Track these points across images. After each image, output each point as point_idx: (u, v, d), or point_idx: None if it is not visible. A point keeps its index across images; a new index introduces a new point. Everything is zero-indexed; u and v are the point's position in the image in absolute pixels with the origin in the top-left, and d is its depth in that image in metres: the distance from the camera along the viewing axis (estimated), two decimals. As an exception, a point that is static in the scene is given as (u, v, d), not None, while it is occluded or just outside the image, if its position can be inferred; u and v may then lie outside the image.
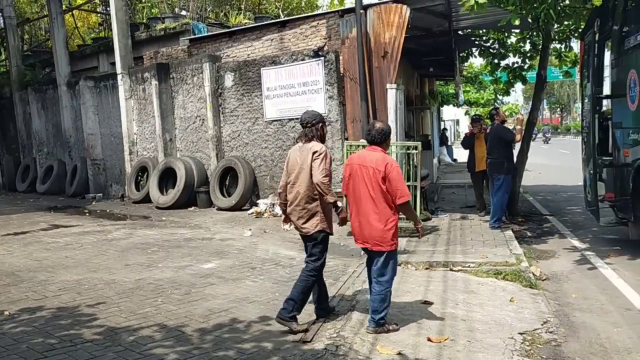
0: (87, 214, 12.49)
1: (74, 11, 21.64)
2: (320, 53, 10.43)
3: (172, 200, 12.14)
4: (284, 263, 7.04)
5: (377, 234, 4.41)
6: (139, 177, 13.71)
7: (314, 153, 4.53)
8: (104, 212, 12.56)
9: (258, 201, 11.31)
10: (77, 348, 4.32)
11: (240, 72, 11.72)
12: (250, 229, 9.37)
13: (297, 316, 4.60)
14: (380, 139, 4.56)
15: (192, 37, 13.32)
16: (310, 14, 11.41)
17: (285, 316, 4.50)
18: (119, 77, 13.91)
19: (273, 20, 12.89)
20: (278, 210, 10.70)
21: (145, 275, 6.59)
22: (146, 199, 12.95)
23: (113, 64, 14.84)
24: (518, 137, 9.07)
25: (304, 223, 4.64)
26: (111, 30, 14.52)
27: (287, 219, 4.86)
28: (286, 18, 13.38)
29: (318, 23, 11.03)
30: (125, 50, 13.95)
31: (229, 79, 11.92)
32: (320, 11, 12.37)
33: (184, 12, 16.76)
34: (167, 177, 12.71)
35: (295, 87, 10.86)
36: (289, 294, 4.63)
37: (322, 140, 4.75)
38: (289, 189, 4.72)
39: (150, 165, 13.17)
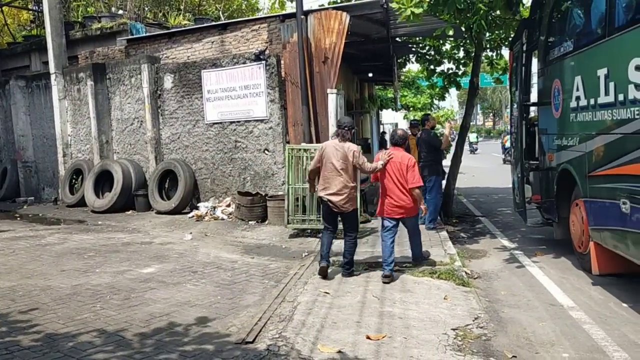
0: (19, 218, 12.01)
1: (3, 7, 20.67)
2: (261, 57, 10.49)
3: (108, 203, 11.86)
4: (225, 266, 7.06)
5: (406, 204, 6.41)
6: (74, 181, 13.30)
7: (354, 151, 6.25)
8: (36, 217, 12.12)
9: (199, 204, 11.22)
10: (14, 355, 4.21)
11: (180, 74, 11.60)
12: (190, 233, 9.31)
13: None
14: (401, 142, 6.67)
15: (130, 37, 13.06)
16: (251, 17, 11.44)
17: (348, 272, 6.38)
18: (53, 77, 13.45)
19: (214, 23, 12.82)
20: (219, 213, 10.68)
21: (82, 280, 6.44)
22: (81, 203, 12.57)
23: (46, 63, 14.33)
24: (444, 144, 9.49)
25: (345, 204, 6.24)
26: (44, 28, 14.02)
27: (313, 189, 6.63)
28: (227, 21, 13.37)
29: (259, 27, 11.08)
30: (59, 49, 13.51)
31: (168, 81, 11.77)
32: (261, 15, 12.40)
33: (120, 12, 16.37)
34: (104, 180, 12.40)
35: (237, 90, 10.87)
36: (345, 260, 6.41)
37: (352, 140, 6.45)
38: (331, 178, 6.23)
39: (86, 168, 12.80)
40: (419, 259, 6.80)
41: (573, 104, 6.46)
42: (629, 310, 5.25)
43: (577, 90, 6.31)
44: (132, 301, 5.62)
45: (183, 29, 12.83)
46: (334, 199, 6.22)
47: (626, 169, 5.17)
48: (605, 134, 5.64)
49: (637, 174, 4.96)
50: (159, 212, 11.41)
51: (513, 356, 4.24)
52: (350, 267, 6.43)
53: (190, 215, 10.92)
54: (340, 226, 6.71)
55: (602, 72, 5.64)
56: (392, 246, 6.40)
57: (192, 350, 4.26)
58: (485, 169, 23.44)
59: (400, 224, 6.61)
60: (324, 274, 6.29)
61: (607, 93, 5.53)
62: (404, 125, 39.30)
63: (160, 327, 4.82)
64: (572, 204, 6.85)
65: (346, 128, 6.33)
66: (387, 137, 20.85)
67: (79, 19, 16.63)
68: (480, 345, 4.41)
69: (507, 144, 30.23)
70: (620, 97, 5.23)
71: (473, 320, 4.92)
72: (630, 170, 5.10)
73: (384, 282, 6.06)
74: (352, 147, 6.27)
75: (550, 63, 7.46)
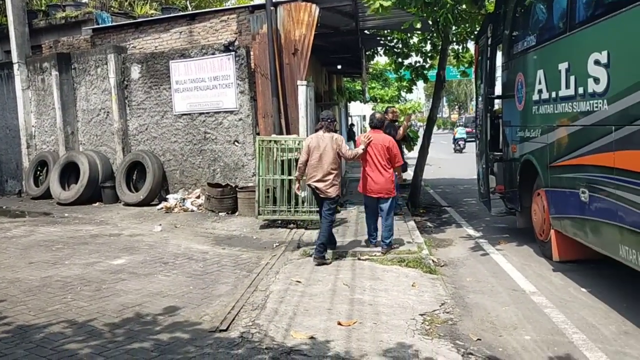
0: (-19, 212, 11.74)
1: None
2: (231, 48, 10.47)
3: (75, 195, 11.69)
4: (196, 257, 7.09)
5: (385, 184, 6.91)
6: (38, 172, 13.06)
7: (337, 139, 6.72)
8: (0, 209, 11.87)
9: (167, 196, 11.17)
10: (-16, 348, 4.19)
11: (148, 65, 11.48)
12: (160, 224, 9.27)
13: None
14: (380, 125, 7.21)
15: (96, 26, 12.85)
16: (220, 8, 11.37)
17: (320, 256, 6.60)
18: (15, 66, 13.12)
19: (182, 13, 12.72)
20: (188, 205, 10.65)
21: (51, 272, 6.39)
22: (46, 195, 12.35)
23: (8, 52, 13.96)
24: (400, 132, 9.58)
25: (328, 189, 6.68)
26: (5, 16, 13.66)
27: (299, 185, 7.12)
28: (196, 11, 13.26)
29: (228, 18, 11.04)
30: (21, 38, 13.19)
31: (135, 71, 11.64)
32: (230, 5, 12.34)
33: (86, 0, 16.04)
34: (70, 172, 12.20)
35: (206, 81, 10.82)
36: (318, 240, 6.69)
37: (335, 131, 6.96)
38: (317, 167, 6.66)
39: (51, 160, 12.58)
40: (389, 243, 7.05)
41: (535, 96, 6.68)
42: (587, 295, 5.50)
43: (539, 83, 6.52)
44: (103, 292, 5.61)
45: (150, 18, 12.68)
46: (320, 185, 6.70)
47: (585, 159, 5.40)
48: (566, 126, 5.87)
49: (596, 164, 5.18)
50: (126, 204, 11.32)
51: (478, 339, 4.42)
52: (322, 250, 6.69)
53: (159, 207, 10.86)
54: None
55: (563, 66, 5.85)
56: (376, 222, 7.19)
57: (166, 339, 4.31)
58: (451, 160, 23.85)
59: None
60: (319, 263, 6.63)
61: (567, 86, 5.74)
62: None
63: (133, 317, 4.85)
64: (534, 194, 7.10)
65: (329, 120, 6.85)
66: (356, 129, 21.04)
67: (43, 7, 16.24)
68: (447, 329, 4.57)
69: (457, 136, 31.79)
70: (580, 90, 5.45)
71: (440, 306, 5.09)
72: (589, 160, 5.33)
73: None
74: (335, 136, 6.79)
75: (514, 57, 7.67)
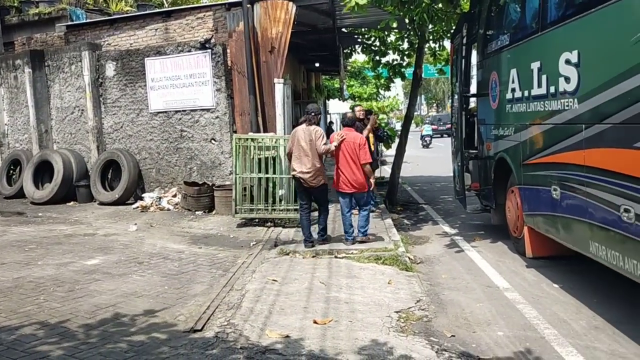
0: (-49, 212, 11.49)
1: None
2: (207, 45, 10.40)
3: (49, 195, 11.51)
4: (172, 257, 7.03)
5: (358, 180, 7.12)
6: (11, 171, 12.82)
7: (316, 132, 7.03)
8: (-30, 209, 11.62)
9: (143, 195, 11.06)
10: (-48, 351, 4.11)
11: (123, 62, 11.34)
12: (135, 224, 9.18)
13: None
14: (351, 124, 7.52)
15: (70, 23, 12.65)
16: (196, 5, 11.29)
17: (323, 238, 7.34)
18: (-14, 63, 12.87)
19: (157, 10, 12.60)
20: (164, 203, 10.57)
21: (24, 273, 6.29)
22: (20, 194, 12.14)
23: (-21, 49, 13.69)
24: (365, 132, 9.54)
25: (313, 179, 7.02)
26: (-24, 11, 13.38)
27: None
28: (171, 8, 13.14)
29: (205, 15, 10.97)
30: (-7, 34, 12.94)
31: (110, 69, 11.49)
32: (206, 3, 12.24)
33: (59, -4, 15.75)
34: (43, 171, 12.00)
35: (182, 79, 10.73)
36: (318, 228, 7.37)
37: (318, 124, 7.23)
38: (301, 157, 7.02)
39: (24, 159, 12.36)
40: (364, 232, 7.40)
41: (509, 95, 6.77)
42: (559, 290, 5.60)
43: (513, 82, 6.61)
44: (76, 293, 5.54)
45: (126, 15, 12.53)
46: (305, 176, 7.03)
47: (557, 157, 5.49)
48: (538, 124, 5.95)
49: (567, 162, 5.27)
50: (102, 203, 11.18)
51: (452, 335, 4.47)
52: (324, 234, 7.41)
53: (134, 206, 10.75)
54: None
55: (535, 65, 5.93)
56: (351, 218, 7.33)
57: (140, 340, 4.27)
58: (429, 157, 24.03)
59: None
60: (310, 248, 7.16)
61: (539, 85, 5.83)
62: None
63: (107, 318, 4.80)
64: (508, 191, 7.19)
65: (312, 114, 7.18)
66: (335, 127, 21.07)
67: (16, 4, 15.92)
68: (422, 326, 4.61)
69: (424, 132, 33.40)
70: (552, 89, 5.53)
71: (415, 303, 5.13)
72: (560, 158, 5.41)
73: (346, 245, 7.19)
74: (315, 129, 7.10)
75: (489, 56, 7.75)
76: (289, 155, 7.29)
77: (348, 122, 7.52)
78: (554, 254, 6.42)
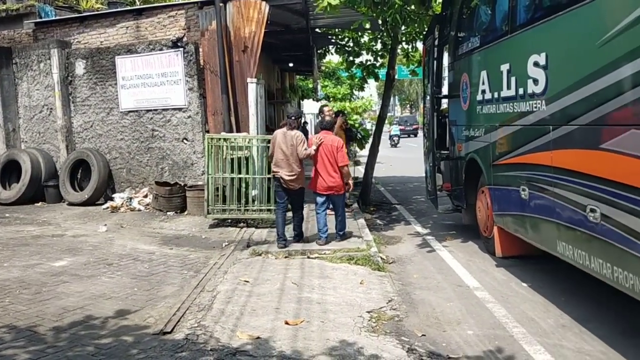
0: None
1: None
2: (179, 44, 10.29)
3: (16, 195, 11.25)
4: (142, 258, 6.94)
5: (335, 182, 7.23)
6: (-23, 171, 12.48)
7: (296, 137, 7.09)
8: None
9: (114, 195, 10.89)
10: None
11: (93, 60, 11.15)
12: (105, 224, 9.03)
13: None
14: (329, 127, 7.59)
15: (39, 20, 12.37)
16: (168, 3, 11.15)
17: (297, 242, 7.38)
18: (-49, 60, 12.50)
19: (128, 8, 12.42)
20: (135, 204, 10.43)
21: (-12, 276, 6.14)
22: (-15, 195, 11.83)
23: (-58, 45, 13.28)
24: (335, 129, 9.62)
25: (292, 182, 7.15)
26: (-61, 7, 12.99)
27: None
28: (143, 6, 12.97)
29: (177, 13, 10.85)
30: (-43, 30, 12.58)
31: (80, 67, 11.29)
32: (178, 1, 12.07)
33: (27, -8, 15.40)
34: (11, 171, 11.72)
35: (154, 78, 10.60)
36: (293, 232, 7.48)
37: (298, 128, 7.33)
38: (281, 162, 7.11)
39: (-10, 158, 12.05)
40: (342, 234, 7.53)
41: (479, 97, 6.85)
42: (528, 289, 5.68)
43: (483, 84, 6.69)
44: (43, 295, 5.42)
45: (96, 13, 12.33)
46: (286, 178, 7.15)
47: (525, 158, 5.57)
48: (507, 125, 6.04)
49: (535, 163, 5.36)
50: (71, 204, 10.97)
51: (422, 335, 4.50)
52: (299, 238, 7.50)
53: (104, 206, 10.58)
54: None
55: (504, 67, 6.02)
56: (325, 218, 7.42)
57: (108, 343, 4.20)
58: (402, 158, 24.19)
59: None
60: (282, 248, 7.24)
61: (509, 87, 5.91)
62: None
63: (74, 320, 4.70)
64: (479, 191, 7.28)
65: (293, 118, 7.26)
66: (309, 127, 21.08)
67: (-20, -1, 15.53)
68: (393, 326, 4.63)
69: (392, 133, 34.75)
70: (520, 91, 5.62)
71: (387, 303, 5.15)
72: (528, 159, 5.50)
73: (319, 245, 7.26)
74: (296, 134, 7.16)
75: (460, 57, 7.84)
76: (271, 158, 7.40)
77: (326, 125, 7.60)
78: (523, 254, 6.52)
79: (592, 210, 4.29)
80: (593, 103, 4.26)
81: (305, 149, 7.14)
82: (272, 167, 7.32)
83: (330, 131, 7.57)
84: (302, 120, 7.87)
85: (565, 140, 4.77)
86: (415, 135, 43.65)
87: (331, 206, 7.52)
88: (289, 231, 7.57)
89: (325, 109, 10.26)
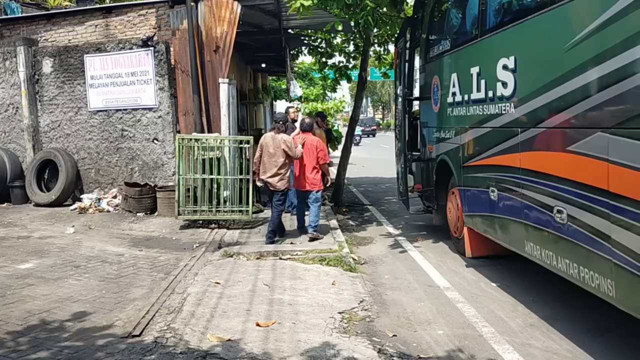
0: None
1: None
2: (149, 43, 10.14)
3: (-20, 196, 10.95)
4: (111, 260, 6.82)
5: (314, 180, 7.83)
6: (-62, 171, 12.09)
7: (285, 141, 7.44)
8: None
9: (82, 196, 10.68)
10: None
11: (61, 58, 10.92)
12: (73, 226, 8.85)
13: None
14: (309, 128, 8.17)
15: (4, 17, 12.07)
16: (138, 2, 10.98)
17: (270, 242, 7.49)
18: None
19: (98, 6, 12.20)
20: (104, 205, 10.24)
21: (-51, 279, 5.95)
22: (-53, 196, 11.48)
23: None
24: (292, 135, 9.52)
25: (277, 183, 7.47)
26: None
27: (259, 179, 7.67)
28: (112, 4, 12.77)
29: (147, 12, 10.69)
30: None
31: (47, 65, 11.04)
32: (149, -1, 11.92)
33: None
34: (-26, 171, 11.41)
35: (123, 77, 10.43)
36: (269, 227, 7.63)
37: (285, 132, 7.69)
38: (267, 163, 7.46)
39: (-48, 158, 11.69)
40: (315, 227, 7.80)
41: (450, 99, 6.93)
42: (497, 289, 5.77)
43: (453, 86, 6.77)
44: (7, 299, 5.28)
45: (64, 10, 12.08)
46: (271, 180, 7.49)
47: (494, 160, 5.65)
48: (477, 127, 6.12)
49: (503, 164, 5.44)
50: (37, 205, 10.72)
51: (394, 335, 4.53)
52: (272, 236, 7.63)
53: (72, 207, 10.37)
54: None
55: (474, 70, 6.10)
56: (304, 212, 8.12)
57: (75, 346, 4.11)
58: (374, 159, 24.32)
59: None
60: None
61: (478, 90, 5.99)
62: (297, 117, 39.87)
63: (39, 324, 4.59)
64: (449, 193, 7.36)
65: (280, 122, 7.69)
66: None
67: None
68: (365, 326, 4.65)
69: (355, 133, 36.69)
70: (490, 93, 5.70)
71: (358, 304, 5.17)
72: (497, 161, 5.58)
73: (310, 240, 7.60)
74: (285, 137, 7.53)
75: (431, 60, 7.91)
76: (257, 160, 7.64)
77: (306, 127, 8.13)
78: (492, 254, 6.62)
79: (559, 212, 4.38)
80: (560, 106, 4.34)
81: (294, 148, 7.55)
82: (260, 171, 7.60)
83: (310, 132, 8.09)
84: (285, 124, 7.94)
85: (533, 143, 4.85)
86: (374, 136, 49.30)
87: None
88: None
89: (291, 110, 10.28)
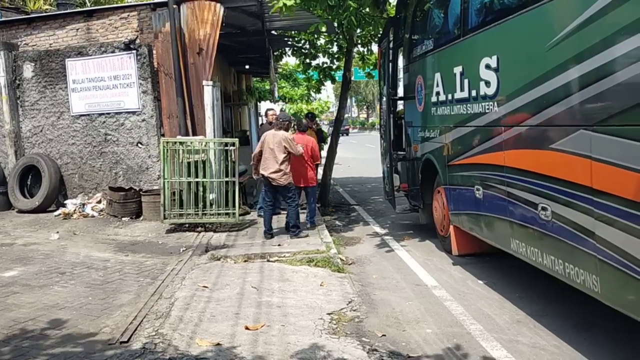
0: None
1: None
2: (132, 46, 10.07)
3: (-39, 203, 10.79)
4: (97, 266, 6.76)
5: (309, 176, 8.51)
6: None
7: (286, 138, 7.79)
8: None
9: (66, 201, 10.57)
10: None
11: (42, 63, 10.81)
12: (57, 232, 8.76)
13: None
14: (305, 129, 9.02)
15: (-18, 21, 11.92)
16: (120, 5, 10.90)
17: (297, 234, 7.93)
18: None
19: (79, 9, 12.09)
20: (89, 210, 10.15)
21: None
22: None
23: None
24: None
25: (280, 178, 7.77)
26: None
27: (258, 173, 8.03)
28: (94, 7, 12.66)
29: (129, 15, 10.62)
30: None
31: (28, 70, 10.92)
32: (131, 2, 11.85)
33: (-30, -8, 14.87)
34: (-45, 178, 11.24)
35: (106, 81, 10.35)
36: (290, 224, 8.01)
37: (286, 130, 8.04)
38: (268, 159, 7.77)
39: None
40: (312, 221, 8.52)
41: (434, 98, 6.97)
42: (484, 287, 5.81)
43: (437, 86, 6.81)
44: (-8, 308, 5.22)
45: (44, 14, 11.95)
46: (272, 175, 7.77)
47: (479, 158, 5.70)
48: (461, 126, 6.17)
49: (488, 162, 5.48)
50: (20, 211, 10.59)
51: (383, 335, 4.54)
52: (296, 230, 7.95)
53: (56, 213, 10.25)
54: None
55: (458, 70, 6.14)
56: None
57: (61, 354, 4.06)
58: (360, 159, 24.37)
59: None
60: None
61: (462, 89, 6.03)
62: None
63: (25, 332, 4.53)
64: (435, 191, 7.41)
65: (281, 120, 8.02)
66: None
67: None
68: (354, 327, 4.66)
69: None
70: (473, 93, 5.74)
71: (347, 304, 5.18)
72: (482, 159, 5.63)
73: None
74: (285, 135, 7.86)
75: (414, 60, 7.95)
76: (257, 155, 7.94)
77: (303, 128, 8.91)
78: (479, 251, 6.67)
79: (544, 209, 4.42)
80: (543, 104, 4.39)
81: (294, 146, 7.90)
82: (260, 167, 7.90)
83: (305, 133, 8.80)
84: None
85: (516, 141, 4.90)
86: (347, 134, 49.55)
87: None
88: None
89: (270, 112, 10.30)
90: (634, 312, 3.48)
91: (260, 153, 7.89)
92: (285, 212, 8.31)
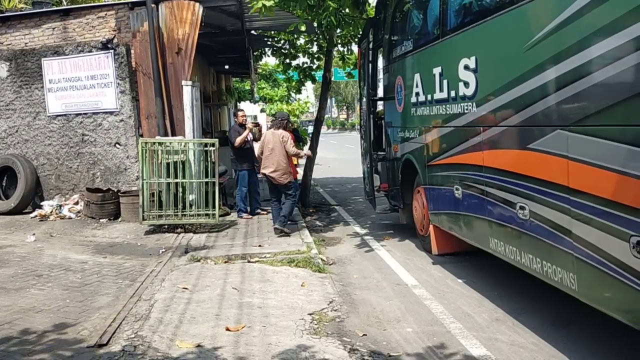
0: None
1: None
2: (109, 45, 9.95)
3: None
4: (74, 268, 6.66)
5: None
6: None
7: (283, 137, 8.07)
8: None
9: (42, 203, 10.40)
10: None
11: (17, 62, 10.62)
12: (34, 234, 8.61)
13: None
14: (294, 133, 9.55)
15: (-45, 19, 11.65)
16: (97, 3, 10.75)
17: (281, 226, 7.99)
18: None
19: (55, 8, 11.90)
20: (66, 212, 10.00)
21: None
22: None
23: None
24: (238, 140, 9.46)
25: (280, 177, 8.03)
26: None
27: (261, 173, 8.35)
28: (70, 6, 12.48)
29: (106, 14, 10.48)
30: None
31: (3, 69, 10.72)
32: (108, 1, 11.68)
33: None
34: None
35: (83, 80, 10.21)
36: (282, 213, 8.07)
37: (285, 129, 8.28)
38: (268, 158, 8.04)
39: None
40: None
41: (413, 99, 7.01)
42: (463, 285, 5.87)
43: (417, 86, 6.85)
44: (-35, 312, 5.11)
45: (19, 13, 11.74)
46: (273, 174, 8.03)
47: (458, 158, 5.75)
48: (440, 126, 6.21)
49: (467, 162, 5.53)
50: (-5, 213, 10.40)
51: (364, 334, 4.56)
52: (283, 220, 8.10)
53: (33, 215, 10.09)
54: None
55: (437, 71, 6.19)
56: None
57: (39, 359, 4.00)
58: (340, 159, 24.42)
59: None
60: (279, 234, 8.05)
61: (441, 90, 6.08)
62: (262, 118, 39.71)
63: (1, 336, 4.45)
64: (415, 191, 7.45)
65: (279, 119, 8.36)
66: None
67: None
68: (335, 327, 4.67)
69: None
70: (452, 93, 5.79)
71: (328, 304, 5.19)
72: (461, 159, 5.67)
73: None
74: (283, 134, 8.12)
75: (394, 60, 7.99)
76: (259, 154, 8.31)
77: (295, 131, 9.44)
78: (458, 251, 6.73)
79: (522, 208, 4.48)
80: (521, 105, 4.44)
81: (291, 146, 8.12)
82: (262, 164, 8.20)
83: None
84: (286, 123, 8.28)
85: (495, 141, 4.95)
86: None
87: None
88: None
89: (239, 113, 10.30)
90: (610, 310, 3.55)
91: (262, 153, 8.19)
92: (265, 213, 8.40)
